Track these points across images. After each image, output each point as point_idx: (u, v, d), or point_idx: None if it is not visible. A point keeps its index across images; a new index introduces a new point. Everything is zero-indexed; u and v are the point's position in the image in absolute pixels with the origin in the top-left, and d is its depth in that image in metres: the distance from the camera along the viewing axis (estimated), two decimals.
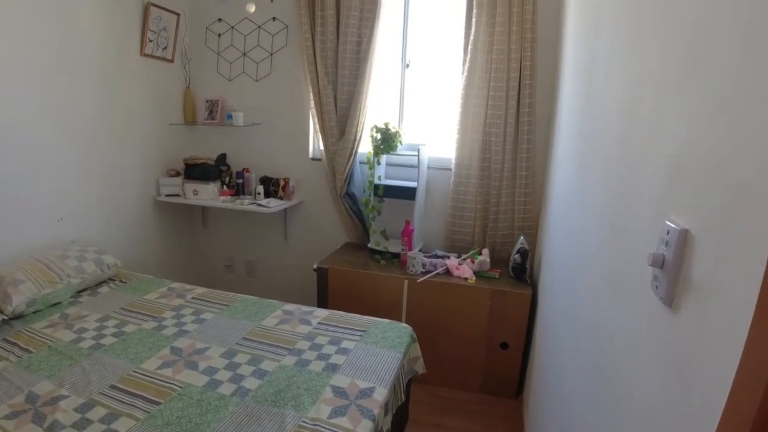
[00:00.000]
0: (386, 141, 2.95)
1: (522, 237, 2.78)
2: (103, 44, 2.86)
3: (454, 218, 3.09)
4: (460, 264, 2.84)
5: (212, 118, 3.55)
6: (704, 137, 0.71)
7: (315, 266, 2.95)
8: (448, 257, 2.94)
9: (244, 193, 3.48)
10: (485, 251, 2.90)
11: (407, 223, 2.94)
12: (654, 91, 0.95)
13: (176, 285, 2.63)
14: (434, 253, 3.06)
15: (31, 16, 2.41)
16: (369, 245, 3.14)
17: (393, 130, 2.96)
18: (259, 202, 3.30)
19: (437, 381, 2.77)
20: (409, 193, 3.03)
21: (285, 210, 3.45)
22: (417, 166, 2.95)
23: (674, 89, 0.85)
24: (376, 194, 3.08)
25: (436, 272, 2.80)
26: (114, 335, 2.05)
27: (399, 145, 3.01)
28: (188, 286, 2.62)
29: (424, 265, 2.84)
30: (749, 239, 0.57)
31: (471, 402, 2.72)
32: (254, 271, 3.82)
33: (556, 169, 2.45)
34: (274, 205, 3.26)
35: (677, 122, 0.81)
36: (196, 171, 3.39)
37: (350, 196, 3.26)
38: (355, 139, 3.13)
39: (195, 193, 3.37)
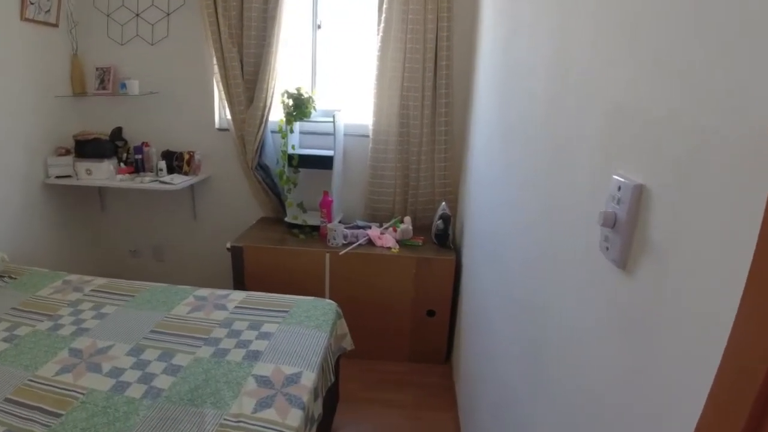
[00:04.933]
0: (299, 107, 2.77)
1: (444, 203, 2.75)
2: None
3: (373, 186, 3.00)
4: (382, 233, 2.77)
5: (104, 88, 3.17)
6: (645, 91, 0.67)
7: (229, 245, 2.76)
8: (370, 227, 2.86)
9: (144, 170, 3.16)
10: (407, 219, 2.85)
11: (325, 193, 2.82)
12: (583, 52, 0.93)
13: (73, 277, 2.32)
14: (355, 223, 2.97)
15: None
16: (286, 219, 2.98)
17: (306, 96, 2.78)
18: (161, 178, 3.02)
19: (366, 355, 2.69)
20: (325, 163, 2.89)
21: (192, 186, 3.18)
22: (333, 134, 2.80)
23: (605, 48, 0.82)
24: (290, 165, 2.91)
25: (358, 243, 2.71)
26: (5, 340, 1.78)
27: (313, 111, 2.85)
28: (87, 278, 2.33)
29: (345, 237, 2.73)
30: (714, 192, 0.52)
31: (402, 372, 2.70)
32: (162, 255, 3.53)
33: (475, 134, 2.42)
34: (179, 181, 2.99)
35: (613, 80, 0.79)
36: (88, 148, 3.03)
37: (263, 168, 3.06)
38: (265, 106, 2.91)
39: (89, 172, 3.01)
